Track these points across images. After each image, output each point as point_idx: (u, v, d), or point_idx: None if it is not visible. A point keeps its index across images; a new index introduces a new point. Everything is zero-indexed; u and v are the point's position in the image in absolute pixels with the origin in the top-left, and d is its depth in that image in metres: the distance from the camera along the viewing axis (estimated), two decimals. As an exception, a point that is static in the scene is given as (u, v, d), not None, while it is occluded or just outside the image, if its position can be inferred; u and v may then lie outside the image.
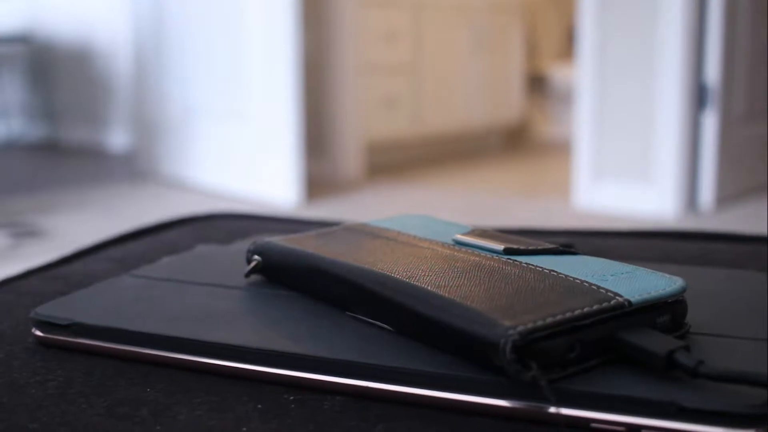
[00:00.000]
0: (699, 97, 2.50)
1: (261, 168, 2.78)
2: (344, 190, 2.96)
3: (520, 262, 0.36)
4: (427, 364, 0.31)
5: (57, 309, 0.39)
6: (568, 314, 0.30)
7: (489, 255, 0.38)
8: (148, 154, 3.31)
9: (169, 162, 3.21)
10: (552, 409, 0.28)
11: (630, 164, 2.55)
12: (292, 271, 0.41)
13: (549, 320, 0.29)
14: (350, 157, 3.16)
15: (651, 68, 2.48)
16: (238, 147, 2.87)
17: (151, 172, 3.31)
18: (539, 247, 0.38)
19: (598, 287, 0.32)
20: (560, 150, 3.93)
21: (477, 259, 0.37)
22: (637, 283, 0.33)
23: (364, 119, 3.22)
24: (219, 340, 0.35)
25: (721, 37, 2.45)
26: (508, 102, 4.05)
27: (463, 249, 0.39)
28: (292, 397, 0.32)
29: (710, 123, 2.51)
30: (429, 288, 0.33)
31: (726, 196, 2.60)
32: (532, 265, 0.36)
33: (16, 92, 4.62)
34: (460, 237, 0.40)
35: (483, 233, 0.41)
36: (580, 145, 2.64)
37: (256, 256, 0.43)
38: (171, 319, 0.37)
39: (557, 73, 4.31)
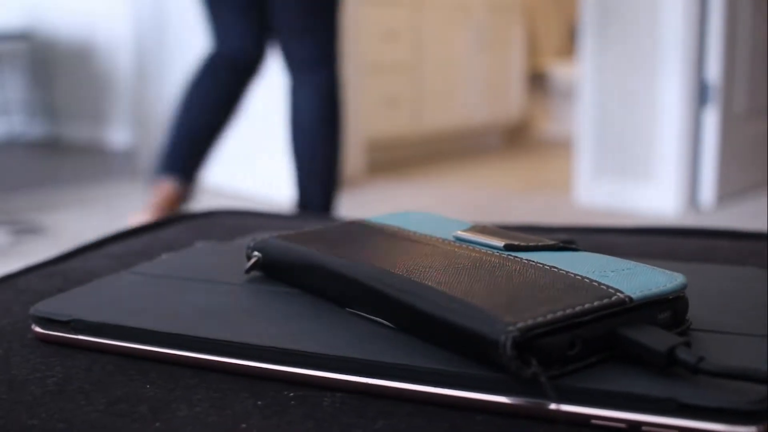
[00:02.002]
0: (700, 94, 2.50)
1: (261, 165, 2.78)
2: (345, 188, 2.96)
3: (521, 259, 0.36)
4: (427, 361, 0.31)
5: (56, 305, 0.39)
6: (569, 311, 0.30)
7: (489, 251, 0.38)
8: (149, 152, 3.31)
9: (169, 159, 3.21)
10: (552, 406, 0.28)
11: (631, 161, 2.55)
12: (291, 267, 0.40)
13: (549, 317, 0.29)
14: (351, 154, 3.16)
15: (652, 65, 2.47)
16: (238, 144, 2.87)
17: (151, 169, 3.31)
18: (540, 244, 0.38)
19: (599, 283, 0.32)
20: (561, 147, 3.93)
21: (477, 255, 0.37)
22: (638, 279, 0.33)
23: (365, 117, 3.22)
24: (218, 336, 0.34)
25: (723, 34, 2.45)
26: (508, 100, 4.05)
27: (464, 245, 0.39)
28: (291, 394, 0.32)
29: (711, 120, 2.50)
30: (429, 284, 0.33)
31: (727, 193, 2.60)
32: (533, 261, 0.36)
33: (17, 90, 4.62)
34: (460, 233, 0.40)
35: (483, 229, 0.41)
36: (581, 143, 2.64)
37: (255, 253, 0.43)
38: (170, 316, 0.37)
39: (558, 70, 4.31)
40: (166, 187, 1.85)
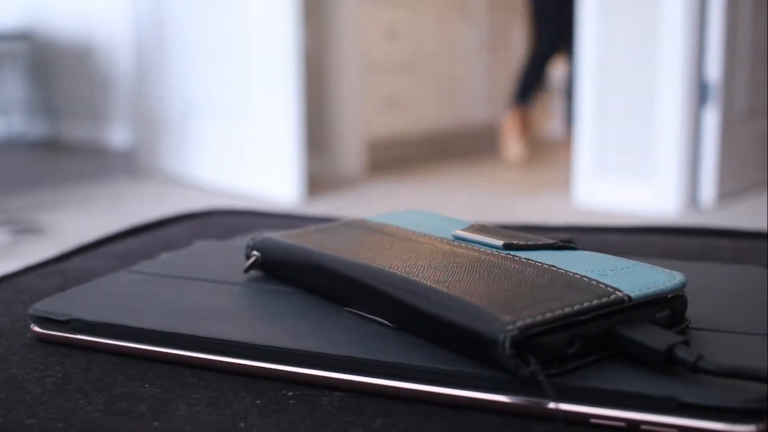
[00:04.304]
0: (700, 93, 2.50)
1: (262, 165, 2.78)
2: (345, 187, 2.96)
3: (520, 258, 0.36)
4: (426, 360, 0.31)
5: (55, 305, 0.39)
6: (568, 309, 0.30)
7: (488, 250, 0.38)
8: (149, 151, 3.31)
9: (169, 159, 3.21)
10: (551, 405, 0.28)
11: (631, 161, 2.55)
12: (291, 266, 0.40)
13: (548, 315, 0.29)
14: (351, 153, 3.16)
15: (652, 64, 2.47)
16: (239, 144, 2.87)
17: (151, 169, 3.31)
18: (539, 243, 0.38)
19: (598, 282, 0.32)
20: (561, 147, 3.92)
21: (476, 254, 0.37)
22: (637, 278, 0.33)
23: (366, 116, 3.22)
24: (217, 335, 0.34)
25: (723, 34, 2.45)
26: (509, 99, 4.05)
27: (463, 244, 0.39)
28: (290, 393, 0.32)
29: (711, 119, 2.50)
30: (428, 283, 0.33)
31: (727, 193, 2.59)
32: (532, 260, 0.36)
33: (17, 89, 4.62)
34: (459, 232, 0.40)
35: (482, 229, 0.40)
36: (580, 142, 2.64)
37: (255, 252, 0.42)
38: (169, 315, 0.37)
39: (558, 70, 4.31)
40: (519, 112, 3.43)
